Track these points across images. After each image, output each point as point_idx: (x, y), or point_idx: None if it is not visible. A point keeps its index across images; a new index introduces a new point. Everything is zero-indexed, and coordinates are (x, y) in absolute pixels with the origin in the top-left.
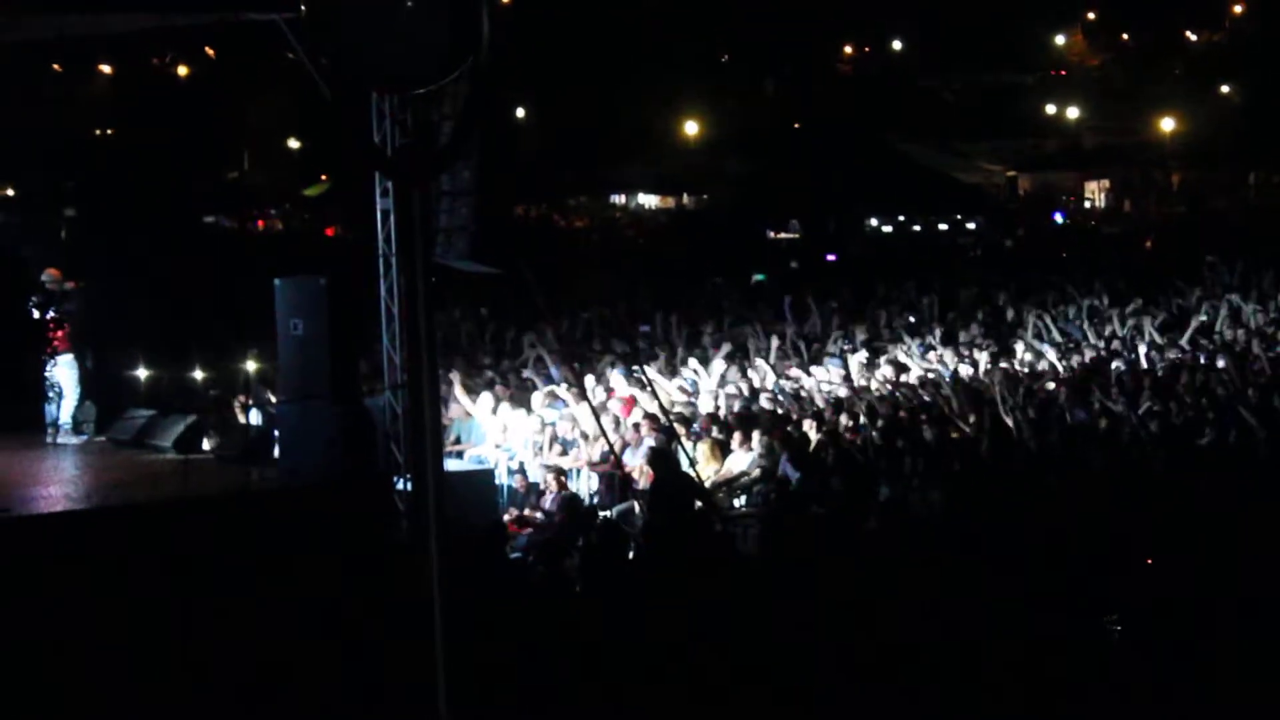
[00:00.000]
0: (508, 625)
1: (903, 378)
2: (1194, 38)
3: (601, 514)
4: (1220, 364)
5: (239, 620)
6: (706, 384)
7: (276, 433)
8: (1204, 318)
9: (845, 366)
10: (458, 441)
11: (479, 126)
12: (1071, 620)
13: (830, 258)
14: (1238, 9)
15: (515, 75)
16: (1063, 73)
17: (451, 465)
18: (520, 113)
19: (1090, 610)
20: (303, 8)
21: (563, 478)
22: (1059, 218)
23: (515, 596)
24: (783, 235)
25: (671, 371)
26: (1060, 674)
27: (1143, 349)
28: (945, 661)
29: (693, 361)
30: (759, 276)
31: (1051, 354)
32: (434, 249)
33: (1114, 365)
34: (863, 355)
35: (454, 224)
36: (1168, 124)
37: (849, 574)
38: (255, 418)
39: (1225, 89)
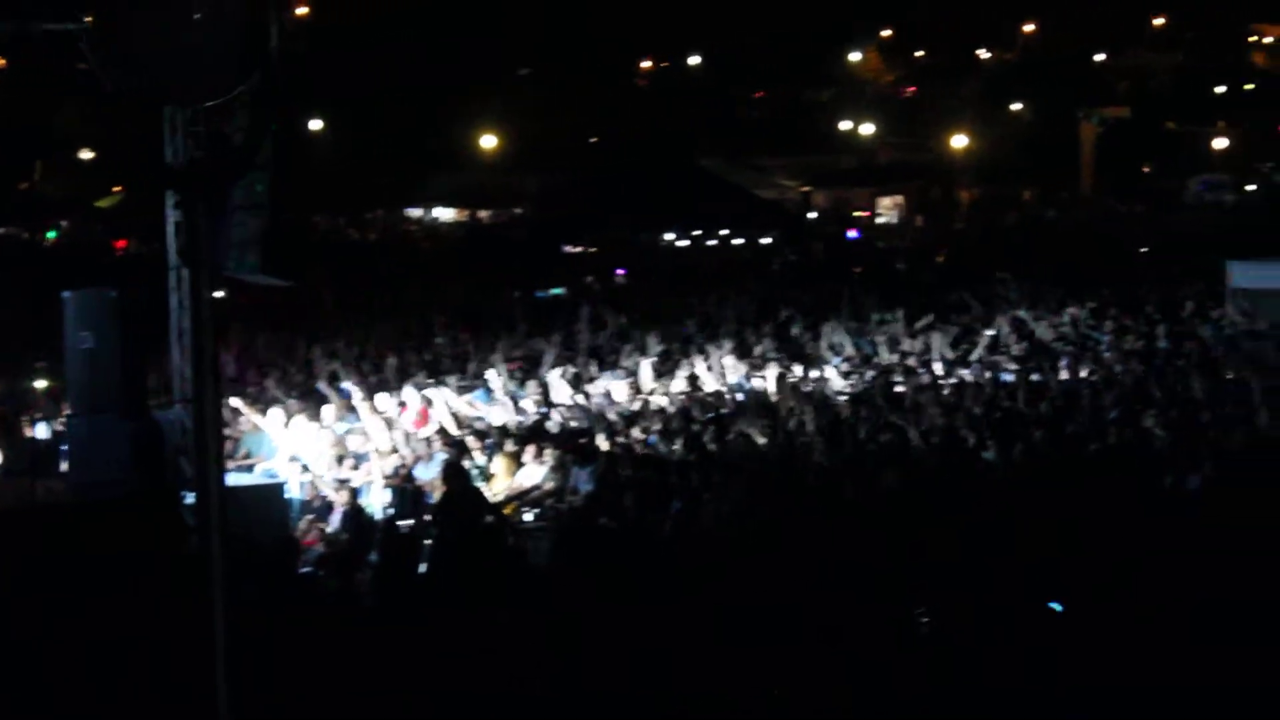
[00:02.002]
0: (297, 640)
1: (696, 390)
2: (986, 56)
3: (392, 528)
4: (1008, 379)
5: (23, 632)
6: (499, 397)
7: (65, 446)
8: (993, 333)
9: (637, 379)
10: (248, 455)
11: (270, 139)
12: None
13: (620, 272)
14: (1029, 28)
15: (309, 88)
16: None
17: (242, 479)
18: (316, 125)
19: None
20: (87, 20)
21: (354, 492)
22: (853, 233)
23: (305, 611)
24: (578, 249)
25: (464, 385)
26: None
27: (934, 364)
28: (742, 667)
29: (491, 375)
30: (555, 290)
31: (844, 367)
32: (226, 262)
33: (903, 380)
34: (654, 368)
35: (247, 237)
36: (960, 141)
37: (641, 586)
38: (43, 431)
39: (1016, 107)
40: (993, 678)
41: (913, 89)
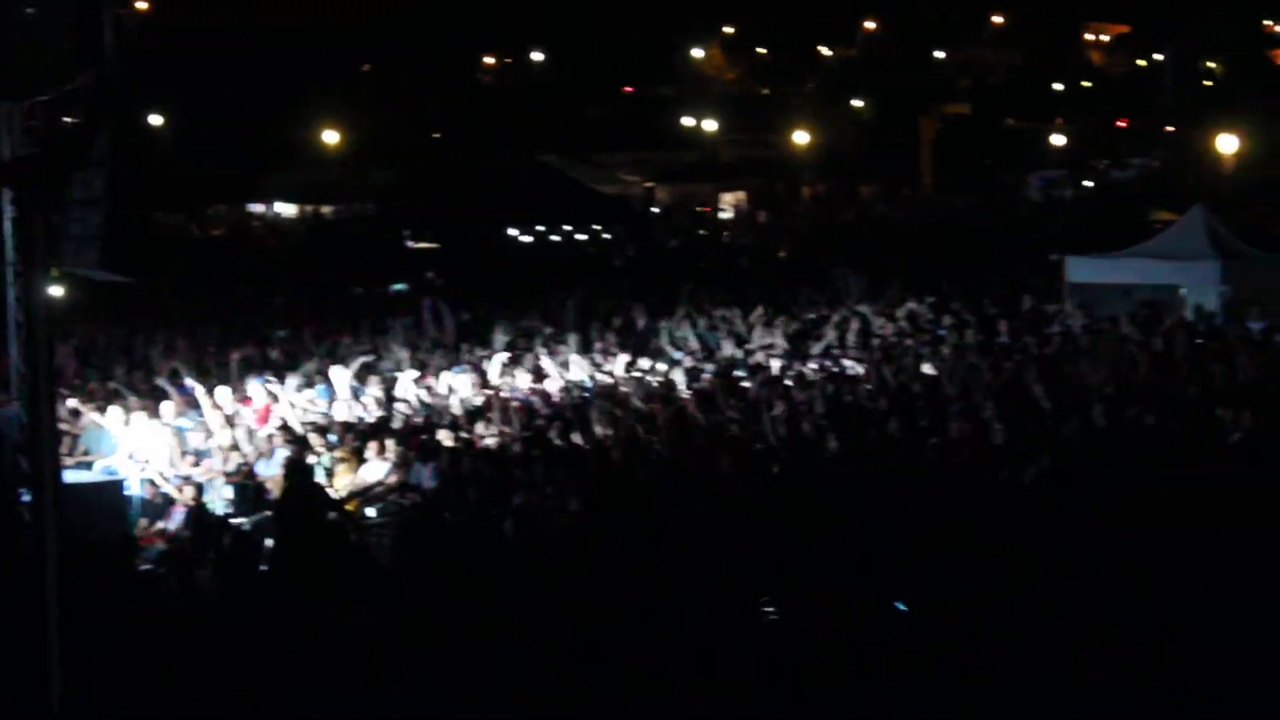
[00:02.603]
0: (137, 638)
1: (540, 385)
2: (828, 53)
3: (234, 525)
4: (850, 373)
5: None
6: (340, 393)
7: None
8: (833, 328)
9: (481, 374)
10: (87, 452)
11: (108, 134)
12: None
13: (462, 268)
14: (869, 26)
15: (150, 83)
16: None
17: (81, 476)
18: (158, 121)
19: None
20: None
21: (197, 489)
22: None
23: (145, 608)
24: (422, 245)
25: (309, 381)
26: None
27: (775, 359)
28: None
29: (334, 371)
30: (398, 286)
31: (687, 362)
32: (64, 258)
33: (745, 374)
34: (500, 363)
35: (85, 232)
36: (801, 137)
37: (484, 582)
38: None
39: (857, 103)
40: (836, 671)
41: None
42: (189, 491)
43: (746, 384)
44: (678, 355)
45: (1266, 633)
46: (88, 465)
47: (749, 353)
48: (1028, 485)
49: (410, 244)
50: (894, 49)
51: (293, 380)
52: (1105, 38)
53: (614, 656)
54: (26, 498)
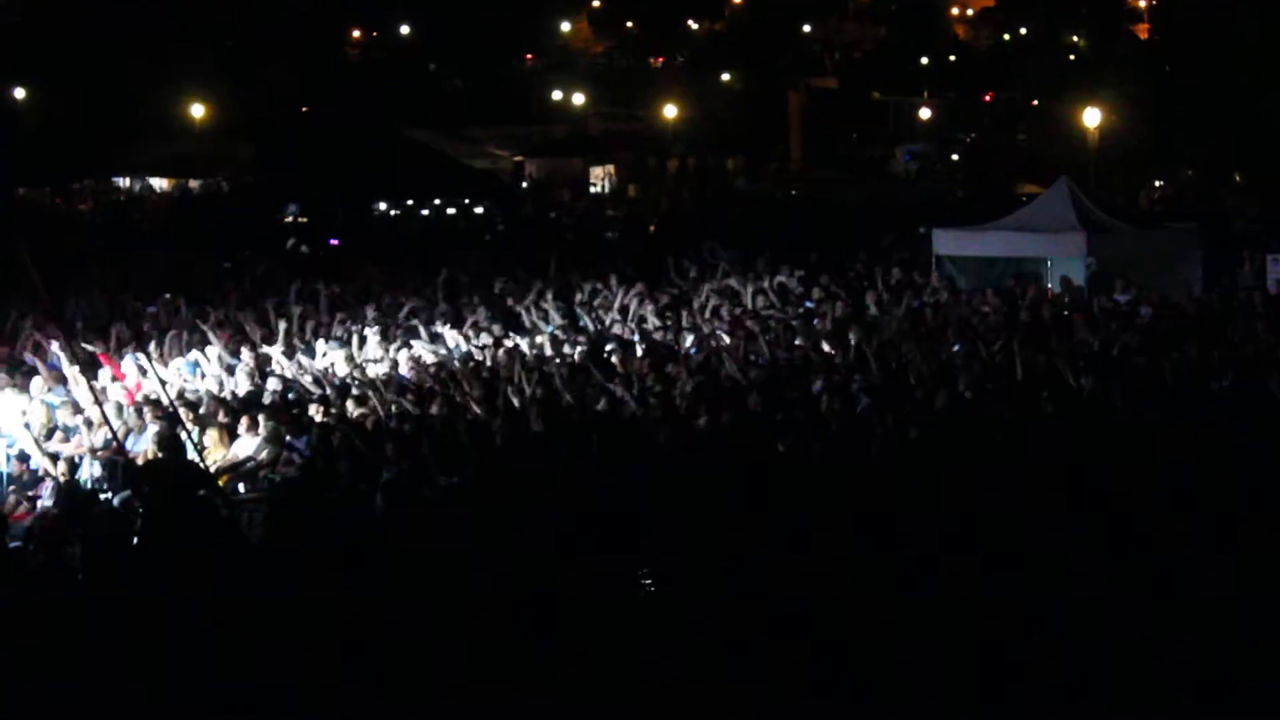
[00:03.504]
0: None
1: (411, 360)
2: (696, 27)
3: (103, 501)
4: (719, 346)
5: None
6: (211, 368)
7: None
8: (702, 301)
9: (351, 350)
10: None
11: None
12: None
13: (334, 242)
14: (736, 0)
15: (11, 56)
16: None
17: None
18: (20, 94)
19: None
20: None
21: (70, 465)
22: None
23: (13, 586)
24: (291, 219)
25: (177, 355)
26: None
27: (646, 333)
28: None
29: (209, 345)
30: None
31: (558, 336)
32: None
33: (615, 348)
34: (371, 337)
35: None
36: (670, 111)
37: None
38: None
39: (725, 77)
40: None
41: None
42: (58, 467)
43: (614, 358)
44: (546, 328)
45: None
46: None
47: (615, 326)
48: (895, 457)
49: (285, 218)
50: (761, 23)
51: (161, 354)
52: (970, 11)
53: (486, 635)
54: None
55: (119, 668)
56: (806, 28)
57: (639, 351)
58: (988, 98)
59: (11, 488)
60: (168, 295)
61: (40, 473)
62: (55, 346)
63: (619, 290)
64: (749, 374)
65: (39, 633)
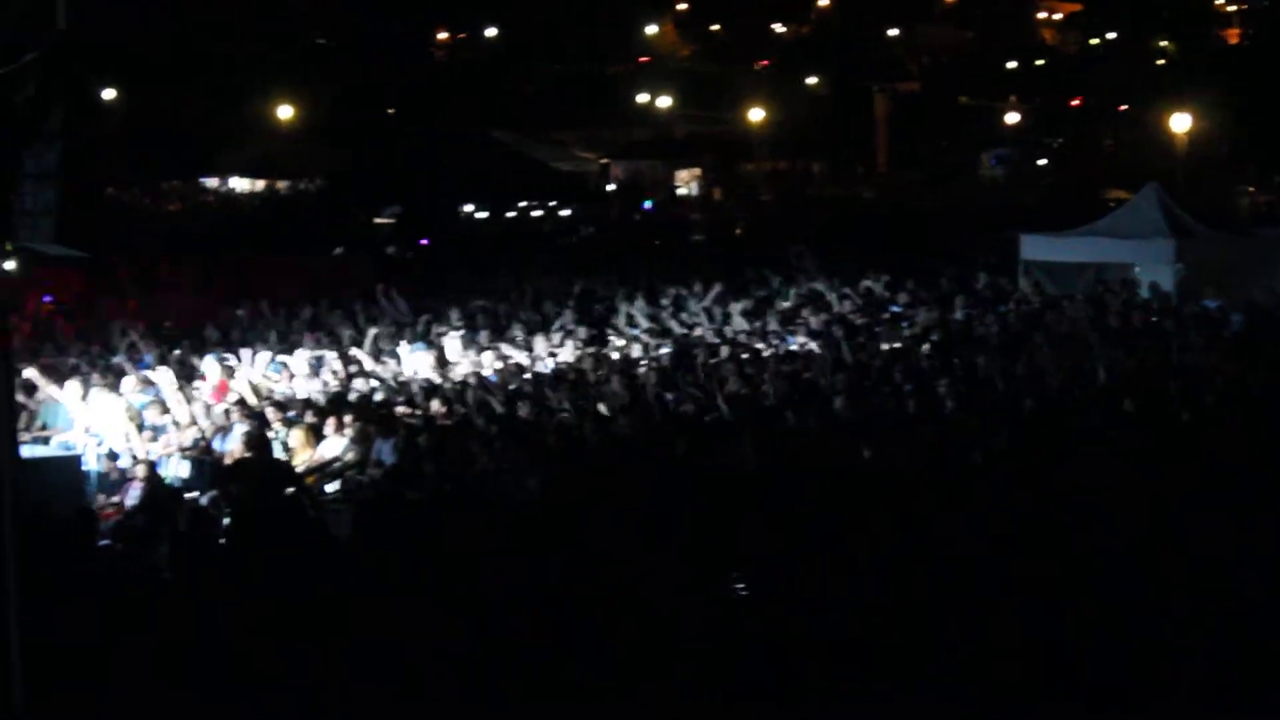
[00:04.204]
0: (95, 616)
1: (497, 362)
2: (782, 30)
3: (190, 500)
4: (807, 350)
5: None
6: (298, 369)
7: None
8: (789, 305)
9: (439, 351)
10: (44, 427)
11: (60, 108)
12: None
13: (423, 243)
14: (823, 3)
15: (101, 56)
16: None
17: (38, 451)
18: (110, 95)
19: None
20: None
21: (152, 464)
22: (649, 206)
23: (103, 585)
24: (380, 220)
25: (267, 356)
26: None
27: (732, 336)
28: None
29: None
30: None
31: (643, 339)
32: (17, 233)
33: (702, 352)
34: (458, 340)
35: (39, 207)
36: (756, 114)
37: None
38: None
39: (811, 81)
40: (808, 646)
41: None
42: (146, 467)
43: (699, 362)
44: (634, 332)
45: (1214, 607)
46: (44, 440)
47: (704, 330)
48: (981, 464)
49: (376, 219)
50: (847, 27)
51: (250, 355)
52: (1058, 16)
53: (575, 635)
54: None
55: (204, 666)
56: (892, 31)
57: (725, 355)
58: (1075, 102)
59: (100, 487)
60: (255, 296)
61: (128, 472)
62: (144, 346)
63: (704, 294)
64: (835, 378)
65: (127, 631)
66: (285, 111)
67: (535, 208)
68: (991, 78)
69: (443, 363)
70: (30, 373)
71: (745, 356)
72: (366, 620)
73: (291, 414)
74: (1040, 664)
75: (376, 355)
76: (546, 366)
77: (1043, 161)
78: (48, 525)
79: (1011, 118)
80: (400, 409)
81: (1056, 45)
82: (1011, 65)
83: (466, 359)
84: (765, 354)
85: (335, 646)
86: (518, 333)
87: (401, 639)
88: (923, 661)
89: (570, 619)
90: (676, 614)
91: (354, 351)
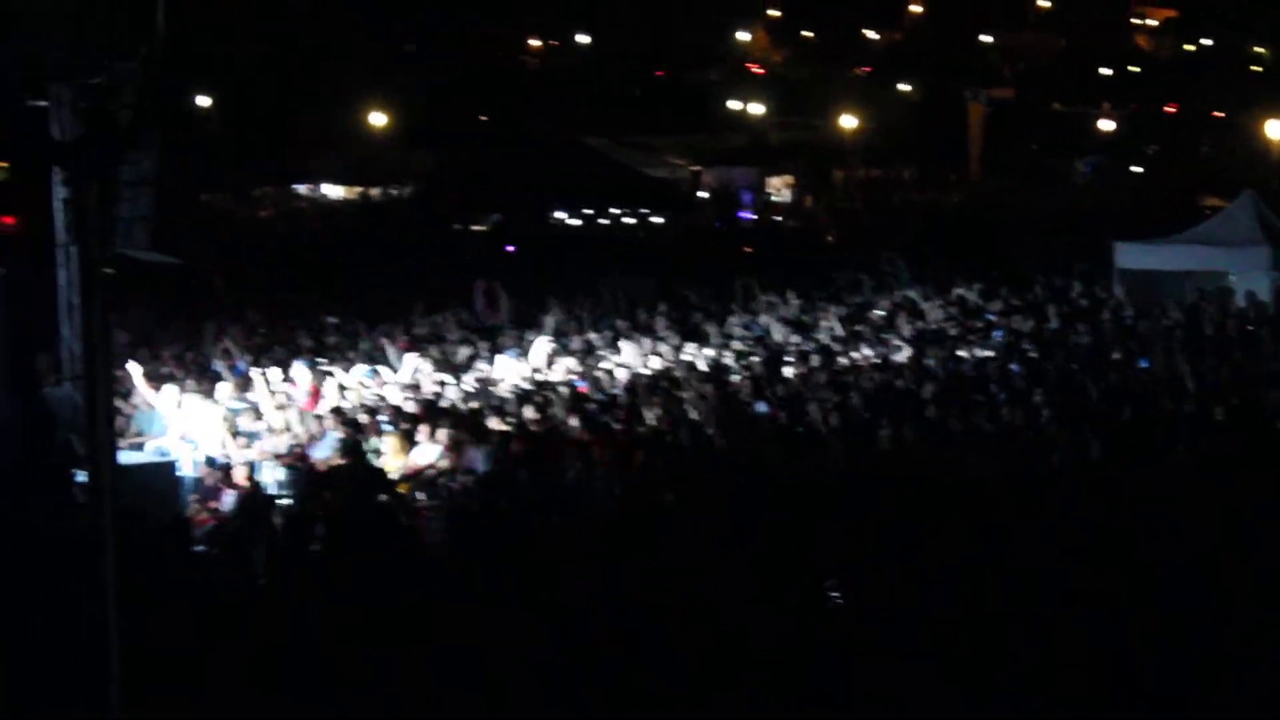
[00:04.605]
0: (189, 620)
1: (591, 370)
2: (874, 36)
3: (284, 506)
4: (899, 359)
5: None
6: (391, 376)
7: None
8: (883, 313)
9: (533, 358)
10: (140, 433)
11: (158, 115)
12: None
13: (509, 249)
14: (915, 9)
15: (196, 65)
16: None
17: (133, 457)
18: (204, 103)
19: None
20: None
21: (247, 469)
22: (744, 214)
23: (197, 590)
24: (477, 228)
25: (356, 364)
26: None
27: (826, 345)
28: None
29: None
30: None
31: (737, 347)
32: (114, 239)
33: (796, 361)
34: (550, 347)
35: (135, 214)
36: (849, 121)
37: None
38: None
39: (904, 87)
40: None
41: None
42: (241, 472)
43: (792, 371)
44: (730, 341)
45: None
46: (139, 446)
47: (799, 338)
48: (1075, 472)
49: (457, 226)
50: (940, 33)
51: (343, 362)
52: (1153, 22)
53: (667, 644)
54: (80, 478)
55: (296, 671)
56: (986, 37)
57: (817, 363)
58: (1169, 109)
59: (195, 493)
60: (348, 302)
61: (224, 478)
62: (237, 353)
63: (796, 302)
64: (927, 386)
65: (221, 636)
66: (378, 118)
67: (627, 214)
68: (1085, 84)
69: (535, 369)
70: (126, 379)
71: (838, 365)
72: (452, 627)
73: (385, 421)
74: (1103, 675)
75: (471, 361)
76: (638, 373)
77: (1137, 168)
78: (143, 531)
79: (1105, 124)
80: (493, 416)
81: (1151, 51)
82: (1105, 71)
83: (558, 366)
84: (859, 362)
85: (421, 652)
86: (611, 340)
87: (485, 646)
88: (991, 671)
89: (646, 627)
90: (748, 622)
91: (446, 358)
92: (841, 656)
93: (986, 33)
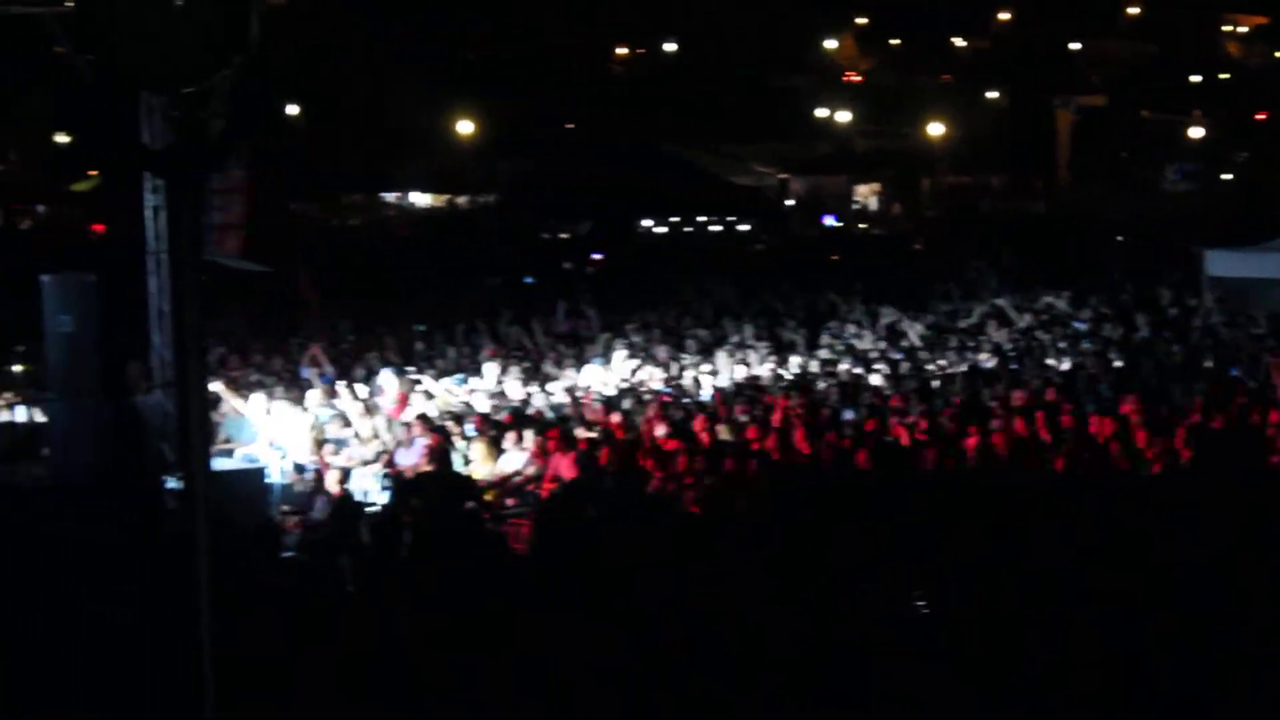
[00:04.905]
0: (280, 627)
1: (677, 378)
2: (961, 44)
3: (373, 513)
4: (987, 367)
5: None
6: (479, 383)
7: (46, 430)
8: (972, 320)
9: (617, 367)
10: (229, 440)
11: (249, 124)
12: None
13: (596, 257)
14: (1003, 16)
15: (288, 73)
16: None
17: (222, 464)
18: (293, 110)
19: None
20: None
21: (337, 476)
22: (830, 220)
23: (288, 597)
24: (563, 235)
25: (443, 372)
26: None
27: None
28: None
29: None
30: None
31: (824, 355)
32: (205, 247)
33: (885, 369)
34: (636, 356)
35: (225, 221)
36: (936, 129)
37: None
38: (23, 414)
39: (992, 95)
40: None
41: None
42: (330, 479)
43: (879, 378)
44: (817, 350)
45: None
46: (228, 453)
47: (887, 346)
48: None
49: (561, 234)
50: (1028, 40)
51: (431, 370)
52: (1243, 29)
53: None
54: (170, 484)
55: (384, 677)
56: (1074, 45)
57: (905, 370)
58: (1260, 116)
59: (284, 500)
60: (436, 310)
61: (313, 484)
62: (326, 360)
63: (884, 311)
64: (1014, 394)
65: (310, 642)
66: (465, 126)
67: (713, 222)
68: (1175, 91)
69: (620, 377)
70: (216, 386)
71: (923, 374)
72: (535, 634)
73: (472, 427)
74: (1119, 676)
75: (555, 370)
76: (725, 381)
77: (1227, 176)
78: (232, 538)
79: (1195, 131)
80: (580, 424)
81: (1241, 58)
82: (1195, 78)
83: (644, 374)
84: (948, 371)
85: (505, 660)
86: (698, 348)
87: (563, 653)
88: (1007, 672)
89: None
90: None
91: (533, 365)
92: (924, 664)
93: (1075, 40)
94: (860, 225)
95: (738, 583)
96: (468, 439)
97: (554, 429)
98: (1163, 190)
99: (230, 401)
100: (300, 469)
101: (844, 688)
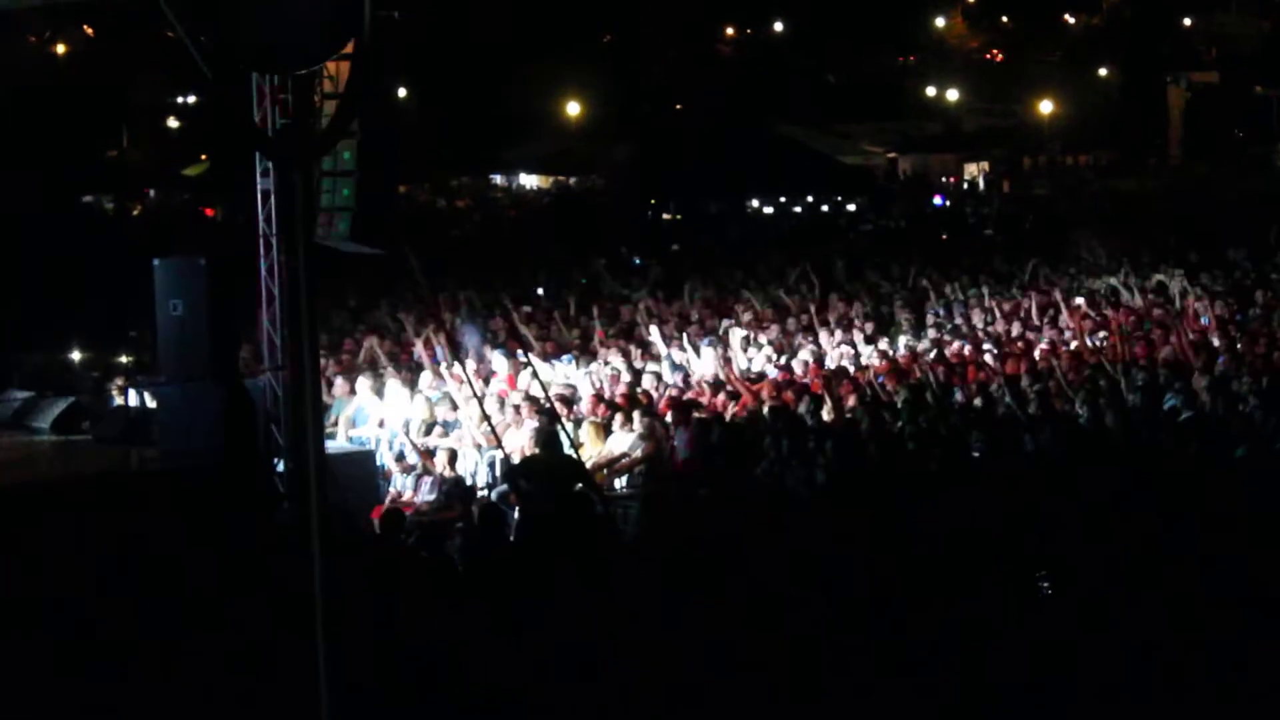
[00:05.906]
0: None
1: (784, 358)
2: (1072, 21)
3: (482, 495)
4: (1100, 344)
5: (118, 606)
6: (591, 365)
7: (157, 414)
8: (1081, 299)
9: (725, 348)
10: (338, 422)
11: (360, 106)
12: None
13: (705, 238)
14: None
15: (398, 56)
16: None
17: (333, 446)
18: (401, 93)
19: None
20: None
21: (446, 459)
22: (939, 199)
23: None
24: (665, 216)
25: (553, 353)
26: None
27: (1025, 331)
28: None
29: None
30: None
31: (932, 335)
32: (315, 229)
33: (992, 347)
34: (743, 336)
35: (335, 204)
36: (1046, 107)
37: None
38: (135, 399)
39: (1103, 72)
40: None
41: (999, 54)
42: (440, 461)
43: (987, 356)
44: (923, 330)
45: None
46: (336, 435)
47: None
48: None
49: (665, 215)
50: (1140, 16)
51: (541, 352)
52: None
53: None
54: (280, 467)
55: (494, 662)
56: (1187, 21)
57: (1015, 350)
58: None
59: (394, 482)
60: (547, 292)
61: (419, 467)
62: (436, 342)
63: (992, 288)
64: (1135, 374)
65: (422, 625)
66: (573, 108)
67: (823, 202)
68: None
69: (729, 358)
70: (328, 369)
71: (1032, 352)
72: (645, 616)
73: (581, 409)
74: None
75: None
76: (833, 361)
77: None
78: (342, 520)
79: None
80: (690, 405)
81: None
82: None
83: (754, 355)
84: (1057, 348)
85: (612, 642)
86: (803, 328)
87: (675, 636)
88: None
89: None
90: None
91: (641, 347)
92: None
93: (1188, 16)
94: (969, 204)
95: (853, 564)
96: (577, 421)
97: (665, 410)
98: (1276, 167)
99: (341, 383)
100: (411, 451)
101: (965, 668)
